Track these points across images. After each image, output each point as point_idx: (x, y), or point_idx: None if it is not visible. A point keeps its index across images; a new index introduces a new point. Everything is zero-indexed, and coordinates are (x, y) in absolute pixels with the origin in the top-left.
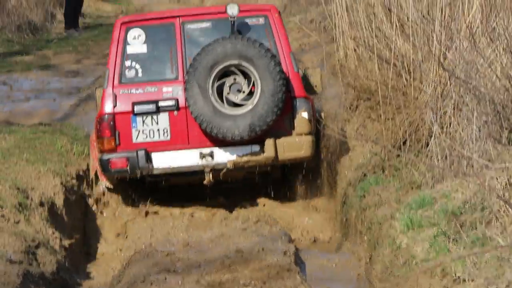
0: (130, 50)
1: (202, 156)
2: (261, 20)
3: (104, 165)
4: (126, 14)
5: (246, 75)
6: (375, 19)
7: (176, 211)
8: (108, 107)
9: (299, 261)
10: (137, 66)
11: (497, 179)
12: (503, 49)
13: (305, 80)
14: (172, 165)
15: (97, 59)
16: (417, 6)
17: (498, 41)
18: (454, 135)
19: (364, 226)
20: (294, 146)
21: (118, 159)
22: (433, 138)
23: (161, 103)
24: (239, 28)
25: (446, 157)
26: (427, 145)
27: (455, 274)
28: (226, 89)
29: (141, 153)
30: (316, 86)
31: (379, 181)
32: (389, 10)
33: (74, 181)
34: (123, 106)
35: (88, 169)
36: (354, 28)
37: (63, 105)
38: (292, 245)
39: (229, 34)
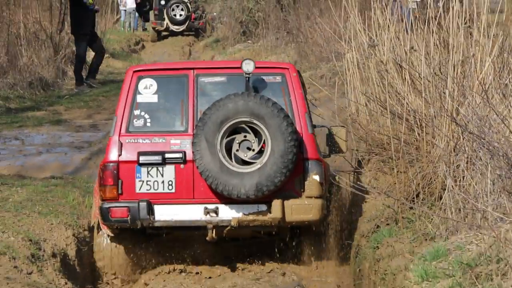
0: (140, 99)
1: (207, 211)
2: (278, 78)
3: (104, 214)
4: None
5: (257, 133)
6: (386, 75)
7: (187, 264)
8: (112, 155)
9: None
10: (146, 116)
11: None
12: None
13: (330, 138)
14: (174, 219)
15: (108, 114)
16: (429, 63)
17: (511, 97)
18: (468, 188)
19: (378, 277)
20: (303, 209)
21: (119, 209)
22: (446, 191)
23: (167, 155)
24: (254, 85)
25: (460, 210)
26: (441, 198)
27: None
28: (235, 146)
29: (143, 204)
30: (341, 145)
31: (393, 233)
32: (401, 66)
33: (86, 232)
34: (128, 155)
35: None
36: (365, 83)
37: (74, 158)
38: None
39: (243, 91)
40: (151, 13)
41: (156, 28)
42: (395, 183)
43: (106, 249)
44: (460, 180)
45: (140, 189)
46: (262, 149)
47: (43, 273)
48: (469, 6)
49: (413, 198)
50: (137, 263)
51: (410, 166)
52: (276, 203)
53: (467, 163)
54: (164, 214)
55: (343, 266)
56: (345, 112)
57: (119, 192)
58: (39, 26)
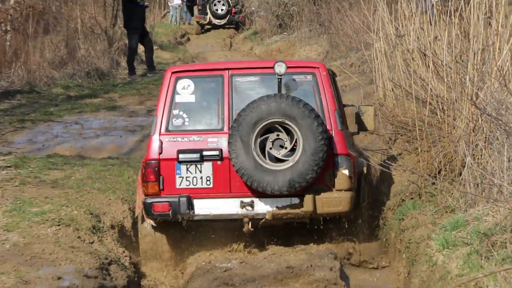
0: (178, 99)
1: (243, 205)
2: (309, 77)
3: (147, 208)
4: (183, 60)
5: (289, 132)
6: (412, 63)
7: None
8: (153, 153)
9: (344, 276)
10: (184, 116)
11: None
12: None
13: (358, 117)
14: (213, 212)
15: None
16: (450, 51)
17: None
18: (485, 165)
19: (403, 245)
20: (333, 201)
21: (160, 204)
22: (466, 168)
23: (205, 153)
24: (286, 84)
25: (478, 185)
26: (460, 174)
27: None
28: (268, 144)
29: (183, 200)
30: (369, 123)
31: (416, 206)
32: (425, 55)
33: None
34: (168, 153)
35: None
36: (392, 71)
37: (128, 141)
38: (337, 262)
39: (275, 92)
40: (195, 8)
41: (200, 22)
42: (419, 161)
43: (150, 236)
44: (478, 158)
45: (180, 185)
46: (294, 147)
47: (103, 243)
48: None
49: (435, 174)
50: (178, 247)
51: (433, 145)
52: (308, 198)
53: (485, 142)
54: (203, 208)
55: (372, 237)
56: (372, 97)
57: (161, 188)
58: (94, 21)
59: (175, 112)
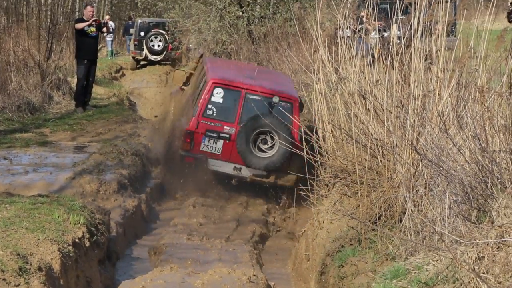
0: (213, 99)
1: (235, 168)
2: (288, 105)
3: (181, 158)
4: (118, 96)
5: (272, 136)
6: (352, 106)
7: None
8: (192, 127)
9: None
10: (214, 109)
11: (467, 254)
12: (471, 136)
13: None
14: (217, 169)
15: (90, 137)
16: (390, 95)
17: (466, 129)
18: (426, 212)
19: None
20: (286, 178)
21: (189, 157)
22: (406, 214)
23: (221, 134)
24: (276, 106)
25: (418, 232)
26: (401, 220)
27: None
28: (259, 141)
29: (203, 157)
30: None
31: (356, 253)
32: (365, 98)
33: (70, 248)
34: (200, 129)
35: (82, 236)
36: (332, 113)
37: (59, 178)
38: None
39: (269, 112)
40: (131, 43)
41: (136, 58)
42: (359, 206)
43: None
44: (419, 204)
45: (202, 148)
46: (273, 145)
47: (30, 286)
48: (428, 44)
49: (375, 220)
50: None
51: (373, 190)
52: (273, 174)
53: (425, 188)
54: (212, 165)
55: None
56: (311, 139)
57: (191, 147)
58: (27, 53)
59: (209, 106)
